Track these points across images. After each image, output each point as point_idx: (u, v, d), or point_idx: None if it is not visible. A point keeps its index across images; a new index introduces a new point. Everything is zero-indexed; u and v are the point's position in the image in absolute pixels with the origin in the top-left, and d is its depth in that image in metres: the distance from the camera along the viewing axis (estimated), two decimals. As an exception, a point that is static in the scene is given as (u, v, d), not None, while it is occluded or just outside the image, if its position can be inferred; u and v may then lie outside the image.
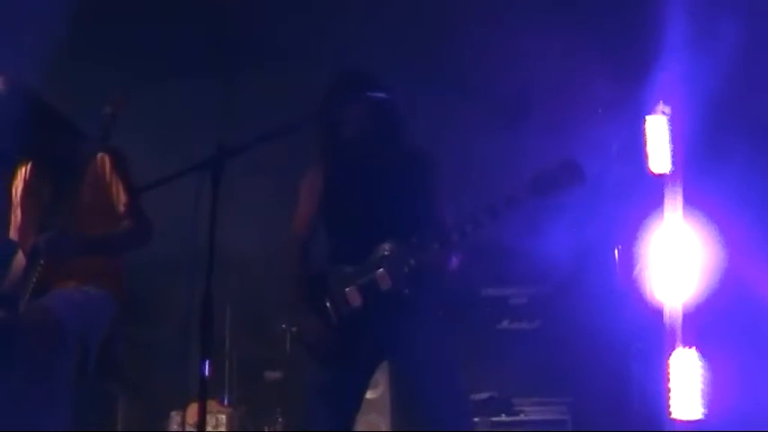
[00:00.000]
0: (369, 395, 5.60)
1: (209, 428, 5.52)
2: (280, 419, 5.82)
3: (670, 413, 4.47)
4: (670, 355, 4.51)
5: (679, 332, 4.54)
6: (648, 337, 4.69)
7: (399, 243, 3.31)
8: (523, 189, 3.26)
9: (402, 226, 3.34)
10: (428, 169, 3.49)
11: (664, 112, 4.76)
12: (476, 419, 4.96)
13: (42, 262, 3.28)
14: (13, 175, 3.63)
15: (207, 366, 2.67)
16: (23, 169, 3.63)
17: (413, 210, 3.40)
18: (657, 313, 4.62)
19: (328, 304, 3.34)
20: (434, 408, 3.26)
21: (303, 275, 3.46)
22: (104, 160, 3.47)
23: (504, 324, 5.29)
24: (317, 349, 3.34)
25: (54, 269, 3.32)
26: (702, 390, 4.43)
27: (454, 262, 3.37)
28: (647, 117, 4.82)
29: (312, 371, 3.39)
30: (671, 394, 4.47)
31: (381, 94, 3.44)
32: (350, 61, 3.97)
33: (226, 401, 5.81)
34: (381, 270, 3.29)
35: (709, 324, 4.51)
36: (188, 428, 5.18)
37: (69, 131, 3.52)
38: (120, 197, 3.47)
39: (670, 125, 4.75)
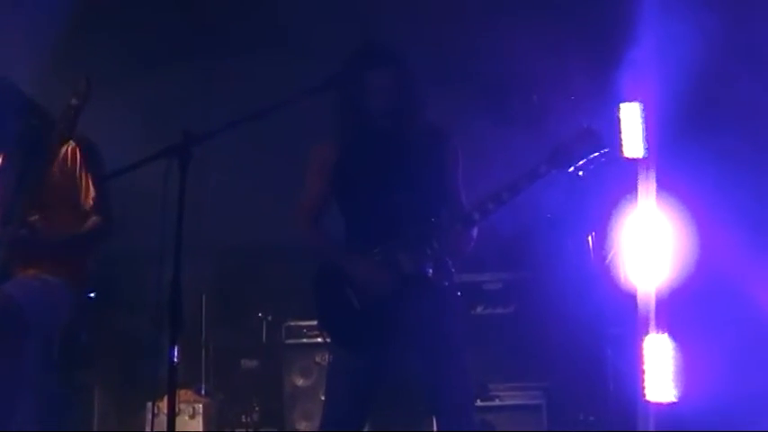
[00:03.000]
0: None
1: (185, 418, 5.52)
2: (257, 408, 5.82)
3: (644, 396, 4.51)
4: (643, 339, 4.54)
5: (652, 316, 4.57)
6: (622, 321, 4.72)
7: (421, 224, 3.21)
8: (544, 163, 3.18)
9: (420, 205, 3.26)
10: (445, 147, 3.37)
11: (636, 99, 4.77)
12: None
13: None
14: None
15: (176, 352, 2.66)
16: None
17: (431, 188, 3.30)
18: (631, 298, 4.65)
19: (349, 290, 3.23)
20: (450, 391, 3.19)
21: (320, 259, 3.34)
22: (75, 151, 3.42)
23: (479, 310, 5.29)
24: (340, 334, 3.27)
25: (15, 257, 3.29)
26: (675, 373, 4.48)
27: (473, 242, 3.30)
28: (621, 104, 4.83)
29: (334, 355, 3.33)
30: (645, 377, 4.51)
31: (407, 68, 3.34)
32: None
33: (203, 391, 5.80)
34: (404, 254, 3.19)
35: (682, 308, 4.54)
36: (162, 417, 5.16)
37: (37, 115, 3.46)
38: (89, 190, 3.42)
39: (643, 111, 4.77)
